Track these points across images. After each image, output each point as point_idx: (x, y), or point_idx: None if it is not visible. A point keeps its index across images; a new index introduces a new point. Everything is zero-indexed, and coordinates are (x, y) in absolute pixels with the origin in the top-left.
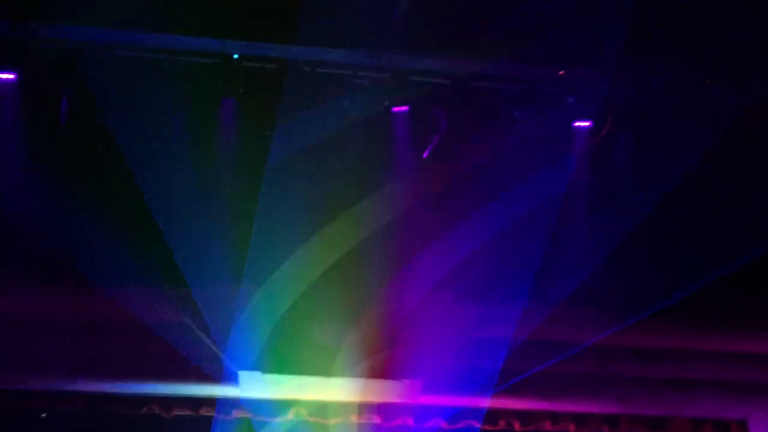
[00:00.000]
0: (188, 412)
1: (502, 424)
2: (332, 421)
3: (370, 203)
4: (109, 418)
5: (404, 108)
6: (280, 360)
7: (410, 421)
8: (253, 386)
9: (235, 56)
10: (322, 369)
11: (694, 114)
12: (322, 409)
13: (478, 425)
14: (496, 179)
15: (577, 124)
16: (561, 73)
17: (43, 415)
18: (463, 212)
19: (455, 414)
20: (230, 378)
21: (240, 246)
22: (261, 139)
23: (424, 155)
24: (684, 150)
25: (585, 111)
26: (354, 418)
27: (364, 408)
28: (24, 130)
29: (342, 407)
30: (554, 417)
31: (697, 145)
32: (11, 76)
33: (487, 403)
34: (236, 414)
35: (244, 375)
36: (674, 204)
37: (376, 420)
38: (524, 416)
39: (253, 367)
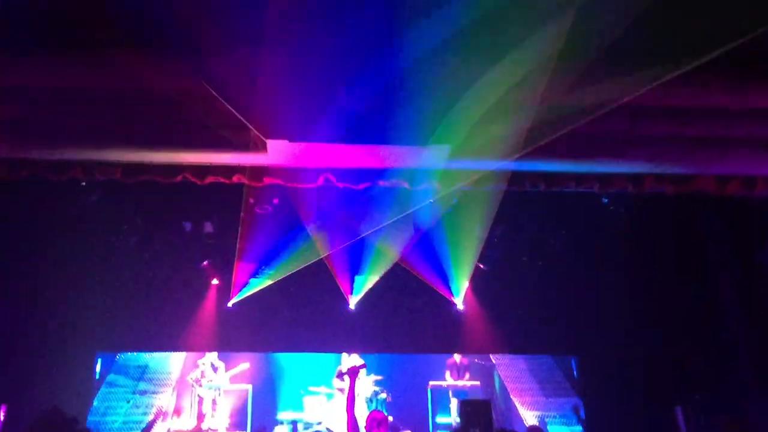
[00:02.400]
0: (221, 180)
1: (527, 185)
2: (361, 186)
3: None
4: (146, 186)
5: None
6: (307, 128)
7: (437, 185)
8: (282, 155)
9: None
10: (348, 136)
11: None
12: (350, 175)
13: (504, 187)
14: None
15: None
16: None
17: (83, 183)
18: None
19: (481, 177)
20: (259, 147)
21: (259, 8)
22: None
23: None
24: None
25: None
26: (382, 183)
27: (391, 173)
28: None
29: (370, 173)
30: (579, 178)
31: None
32: None
33: (512, 166)
34: (267, 181)
35: (272, 144)
36: None
37: (404, 184)
38: (549, 177)
39: (281, 136)
